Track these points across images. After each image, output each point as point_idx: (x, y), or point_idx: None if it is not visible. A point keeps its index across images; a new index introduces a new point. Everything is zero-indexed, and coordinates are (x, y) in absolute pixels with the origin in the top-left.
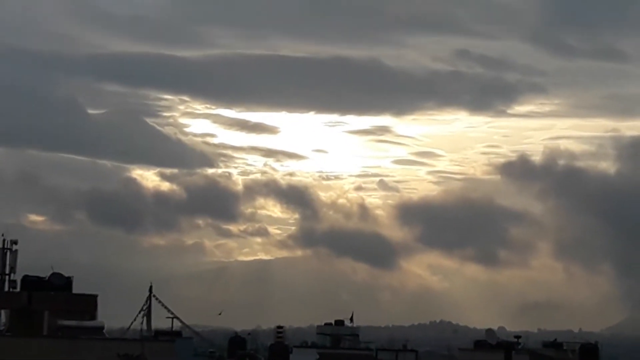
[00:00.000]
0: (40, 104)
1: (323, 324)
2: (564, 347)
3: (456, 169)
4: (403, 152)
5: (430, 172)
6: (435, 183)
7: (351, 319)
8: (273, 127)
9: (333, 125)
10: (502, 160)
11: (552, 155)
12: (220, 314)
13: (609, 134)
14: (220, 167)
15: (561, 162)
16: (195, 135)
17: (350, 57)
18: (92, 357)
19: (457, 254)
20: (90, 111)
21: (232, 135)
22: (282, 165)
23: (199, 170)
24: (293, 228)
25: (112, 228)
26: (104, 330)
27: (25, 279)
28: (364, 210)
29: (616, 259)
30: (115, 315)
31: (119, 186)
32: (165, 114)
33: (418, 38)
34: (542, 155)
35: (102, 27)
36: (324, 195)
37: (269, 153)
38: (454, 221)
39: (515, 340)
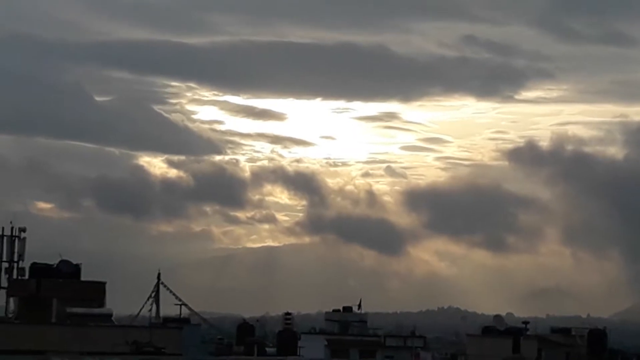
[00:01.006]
0: (47, 91)
1: (331, 310)
2: (572, 333)
3: (464, 154)
4: (411, 138)
5: (438, 158)
6: (443, 169)
7: (359, 306)
8: (280, 113)
9: (340, 112)
10: (509, 146)
11: (560, 141)
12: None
13: (617, 119)
14: (228, 154)
15: (569, 147)
16: (202, 122)
17: (356, 43)
18: (101, 344)
19: (465, 240)
20: (98, 98)
21: (240, 122)
22: (289, 152)
23: (206, 157)
24: (301, 215)
25: (120, 215)
26: (112, 318)
27: (34, 266)
28: (371, 197)
29: (624, 245)
30: (124, 302)
31: (126, 173)
32: (172, 100)
33: (424, 24)
34: (550, 141)
35: (108, 14)
36: (331, 182)
37: (276, 140)
38: (461, 207)
39: (524, 326)
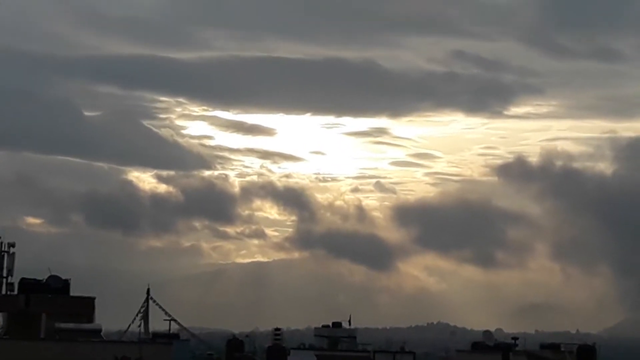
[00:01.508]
0: (36, 106)
1: (320, 326)
2: (562, 349)
3: (453, 170)
4: (400, 154)
5: (427, 174)
6: (432, 185)
7: (349, 321)
8: (269, 128)
9: (330, 127)
10: (499, 161)
11: (549, 157)
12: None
13: (606, 135)
14: (217, 169)
15: (558, 163)
16: (192, 137)
17: (345, 59)
18: None
19: (455, 256)
20: (87, 113)
21: (229, 137)
22: (279, 167)
23: (195, 172)
24: (290, 230)
25: (109, 230)
26: (102, 333)
27: (23, 281)
28: (361, 212)
29: (614, 260)
30: (113, 317)
31: (115, 188)
32: (161, 115)
33: (413, 39)
34: (539, 157)
35: (97, 28)
36: (321, 197)
37: (265, 155)
38: (451, 223)
39: (513, 341)
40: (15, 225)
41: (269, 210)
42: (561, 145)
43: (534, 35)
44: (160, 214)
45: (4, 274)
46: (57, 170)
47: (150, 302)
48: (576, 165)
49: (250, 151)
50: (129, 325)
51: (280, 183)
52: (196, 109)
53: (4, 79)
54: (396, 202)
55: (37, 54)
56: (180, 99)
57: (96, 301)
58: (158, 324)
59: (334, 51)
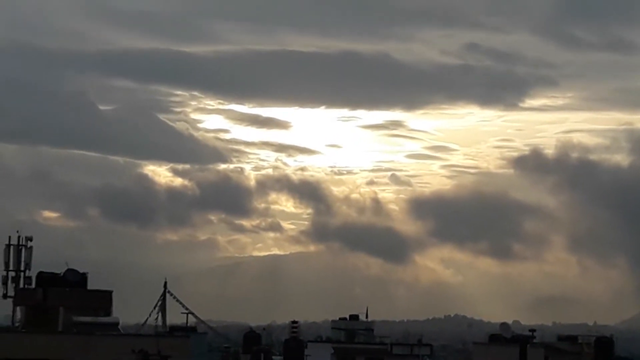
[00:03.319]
0: (51, 100)
1: (338, 318)
2: (579, 341)
3: (469, 163)
4: (417, 147)
5: (443, 166)
6: (448, 177)
7: (366, 314)
8: (285, 122)
9: (346, 120)
10: (515, 154)
11: (565, 149)
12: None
13: (622, 127)
14: (233, 163)
15: (574, 155)
16: (207, 130)
17: (359, 52)
18: (108, 353)
19: (471, 248)
20: (102, 107)
21: (244, 130)
22: (294, 160)
23: (211, 166)
24: (306, 223)
25: (125, 224)
26: (119, 326)
27: (40, 275)
28: (377, 205)
29: (631, 252)
30: (130, 311)
31: (131, 182)
32: (176, 109)
33: (427, 32)
34: (555, 149)
35: (112, 23)
36: (336, 190)
37: (280, 148)
38: (467, 215)
39: (530, 334)
40: (32, 219)
41: (285, 203)
42: (577, 138)
43: (548, 27)
44: (176, 207)
45: (22, 268)
46: (73, 165)
47: (168, 295)
48: (592, 157)
49: (266, 144)
50: (147, 319)
51: (295, 176)
52: (211, 103)
53: (20, 74)
54: (412, 195)
55: (52, 49)
56: (195, 93)
57: (113, 295)
58: (175, 317)
59: (348, 44)
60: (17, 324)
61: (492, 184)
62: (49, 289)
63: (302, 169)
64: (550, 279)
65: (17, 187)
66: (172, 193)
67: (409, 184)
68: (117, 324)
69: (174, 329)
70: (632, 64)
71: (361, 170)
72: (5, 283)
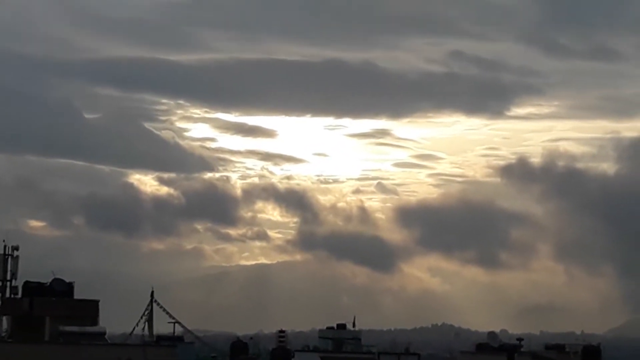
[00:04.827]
0: (36, 108)
1: (325, 327)
2: (567, 349)
3: (456, 171)
4: (403, 155)
5: (430, 175)
6: (435, 186)
7: (353, 323)
8: (271, 130)
9: (332, 129)
10: (502, 162)
11: (551, 157)
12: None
13: (609, 135)
14: (219, 171)
15: (561, 163)
16: (193, 139)
17: (345, 60)
18: None
19: (458, 257)
20: (87, 115)
21: (230, 139)
22: (280, 169)
23: (197, 175)
24: (293, 232)
25: (111, 233)
26: (106, 336)
27: (27, 285)
28: (363, 214)
29: (618, 261)
30: (117, 320)
31: (117, 191)
32: (162, 118)
33: (412, 40)
34: (541, 157)
35: (97, 30)
36: (323, 199)
37: (267, 157)
38: (454, 224)
39: (518, 342)
40: (17, 229)
41: (272, 212)
42: (563, 146)
43: (534, 36)
44: (162, 216)
45: (8, 278)
46: (59, 173)
47: (154, 304)
48: (579, 165)
49: (252, 153)
50: (134, 328)
51: (282, 185)
52: (197, 111)
53: (5, 81)
54: (399, 204)
55: (37, 56)
56: (181, 101)
57: (100, 304)
58: (162, 326)
59: (333, 53)
60: (3, 334)
61: (479, 192)
62: (36, 298)
63: (289, 178)
64: (538, 288)
65: (2, 196)
66: (158, 202)
67: (395, 192)
68: (104, 333)
69: (161, 338)
70: (618, 71)
71: (347, 179)
72: None
